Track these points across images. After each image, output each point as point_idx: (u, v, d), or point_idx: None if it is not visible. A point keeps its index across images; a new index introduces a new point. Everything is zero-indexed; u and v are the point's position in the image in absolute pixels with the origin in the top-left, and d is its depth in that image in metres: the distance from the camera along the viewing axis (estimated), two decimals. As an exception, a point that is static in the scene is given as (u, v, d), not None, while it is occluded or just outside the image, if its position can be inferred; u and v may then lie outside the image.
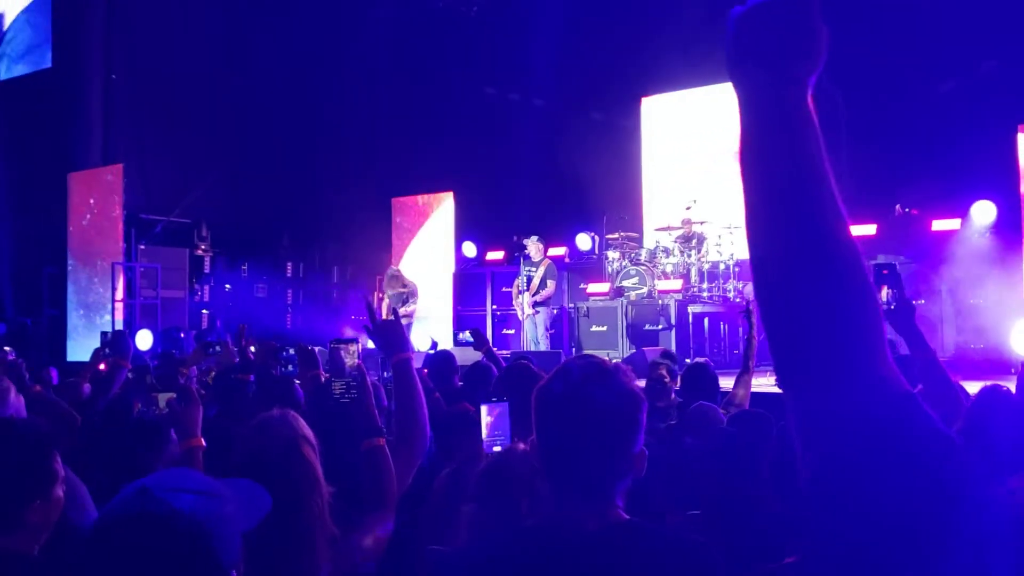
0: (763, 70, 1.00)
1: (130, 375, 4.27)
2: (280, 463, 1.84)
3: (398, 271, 11.94)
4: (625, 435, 1.55)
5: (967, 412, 2.47)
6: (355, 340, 2.53)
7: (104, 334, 4.59)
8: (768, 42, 1.00)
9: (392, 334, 2.55)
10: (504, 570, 1.53)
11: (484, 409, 2.62)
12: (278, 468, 1.81)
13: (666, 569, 1.50)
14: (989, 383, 2.64)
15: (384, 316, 11.76)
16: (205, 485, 1.32)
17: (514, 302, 11.19)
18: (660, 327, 10.32)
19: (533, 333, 10.84)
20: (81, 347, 11.80)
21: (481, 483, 2.12)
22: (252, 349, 5.39)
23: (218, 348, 5.44)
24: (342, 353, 2.50)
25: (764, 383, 4.92)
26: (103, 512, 1.28)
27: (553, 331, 11.15)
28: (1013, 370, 3.71)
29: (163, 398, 2.93)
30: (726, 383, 5.00)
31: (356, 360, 2.49)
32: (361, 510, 2.17)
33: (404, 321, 10.55)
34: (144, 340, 11.33)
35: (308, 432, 1.99)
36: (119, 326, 11.86)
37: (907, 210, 10.68)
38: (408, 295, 11.64)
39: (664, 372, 5.04)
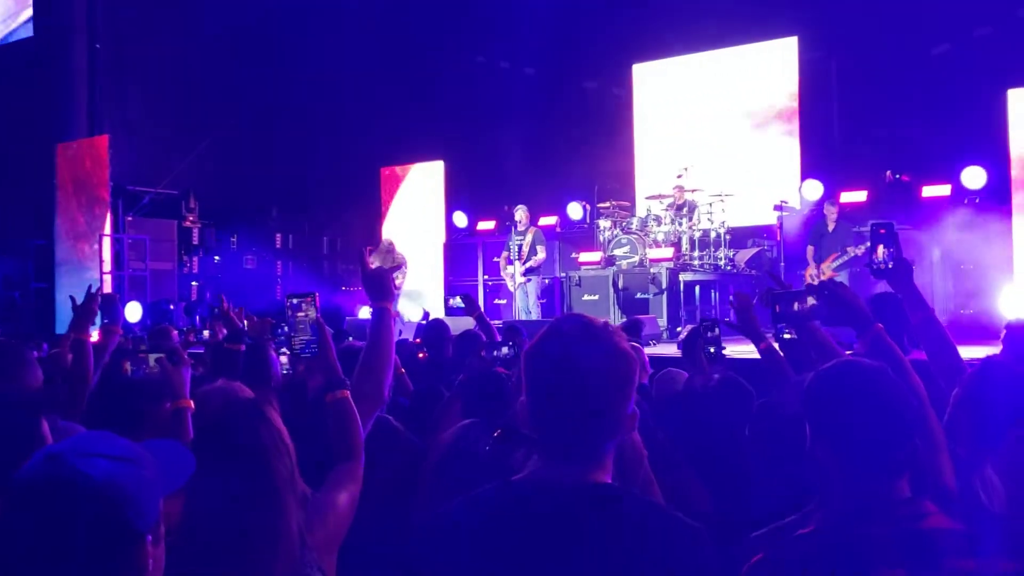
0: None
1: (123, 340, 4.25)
2: (245, 428, 1.84)
3: (391, 244, 11.92)
4: (615, 396, 1.54)
5: (965, 383, 2.47)
6: (313, 293, 2.49)
7: (92, 295, 4.48)
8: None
9: (380, 283, 2.58)
10: (483, 520, 1.54)
11: None
12: (242, 433, 1.82)
13: (637, 538, 1.47)
14: (983, 351, 2.64)
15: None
16: (122, 450, 1.30)
17: (503, 273, 11.17)
18: (651, 295, 10.33)
19: (524, 302, 10.85)
20: (69, 320, 11.74)
21: None
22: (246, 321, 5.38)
23: (216, 311, 5.47)
24: (301, 307, 2.48)
25: (747, 350, 4.87)
26: (12, 478, 1.27)
27: (545, 300, 11.15)
28: (1001, 334, 3.72)
29: (152, 358, 2.90)
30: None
31: (315, 314, 2.46)
32: (330, 463, 2.19)
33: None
34: (133, 312, 11.29)
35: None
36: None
37: (898, 176, 10.68)
38: (396, 267, 11.64)
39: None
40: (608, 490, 1.54)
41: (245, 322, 5.82)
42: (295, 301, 2.48)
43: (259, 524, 1.78)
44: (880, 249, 2.57)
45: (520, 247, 10.80)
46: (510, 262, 10.89)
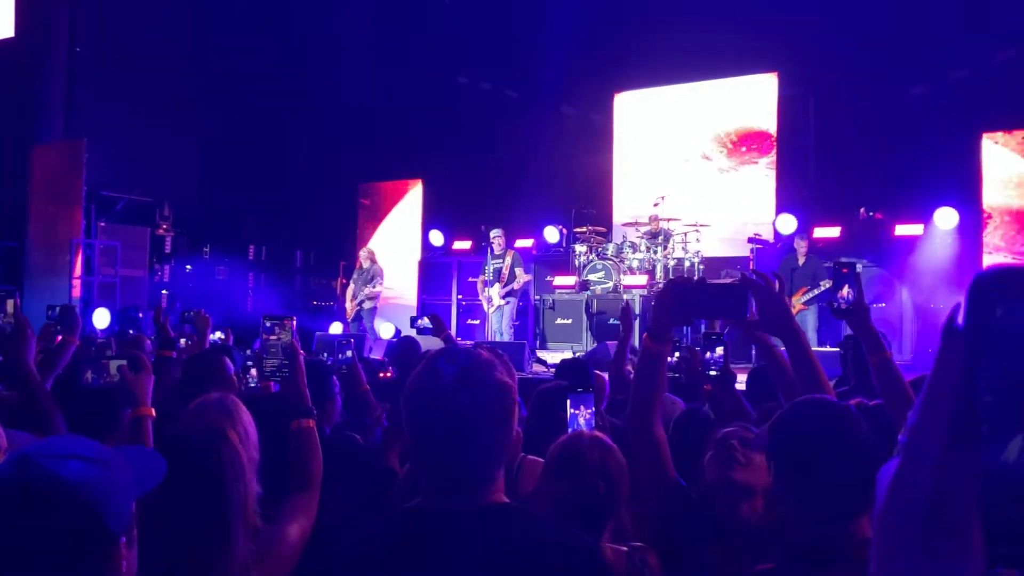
0: None
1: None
2: (202, 448, 1.80)
3: (371, 252, 11.93)
4: (497, 429, 1.55)
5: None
6: (290, 317, 2.46)
7: (51, 308, 4.28)
8: None
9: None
10: (377, 549, 1.55)
11: (569, 399, 2.70)
12: (200, 453, 1.78)
13: (533, 553, 1.49)
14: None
15: (347, 303, 11.74)
16: (93, 452, 1.30)
17: (480, 295, 11.16)
18: (624, 322, 10.33)
19: (498, 324, 10.85)
20: (37, 324, 11.55)
21: (554, 463, 2.28)
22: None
23: (191, 314, 5.37)
24: (276, 329, 2.43)
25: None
26: None
27: (518, 323, 11.15)
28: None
29: (114, 365, 2.82)
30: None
31: (290, 337, 2.42)
32: (286, 491, 2.15)
33: (368, 305, 10.44)
34: (101, 319, 11.13)
35: (244, 417, 1.95)
36: (76, 304, 11.64)
37: (871, 214, 10.78)
38: (373, 275, 11.63)
39: (631, 368, 5.06)
40: (501, 510, 1.55)
41: (220, 335, 5.74)
42: (270, 323, 2.45)
43: (206, 548, 1.74)
44: (846, 288, 2.57)
45: (499, 270, 10.83)
46: (488, 284, 10.90)
